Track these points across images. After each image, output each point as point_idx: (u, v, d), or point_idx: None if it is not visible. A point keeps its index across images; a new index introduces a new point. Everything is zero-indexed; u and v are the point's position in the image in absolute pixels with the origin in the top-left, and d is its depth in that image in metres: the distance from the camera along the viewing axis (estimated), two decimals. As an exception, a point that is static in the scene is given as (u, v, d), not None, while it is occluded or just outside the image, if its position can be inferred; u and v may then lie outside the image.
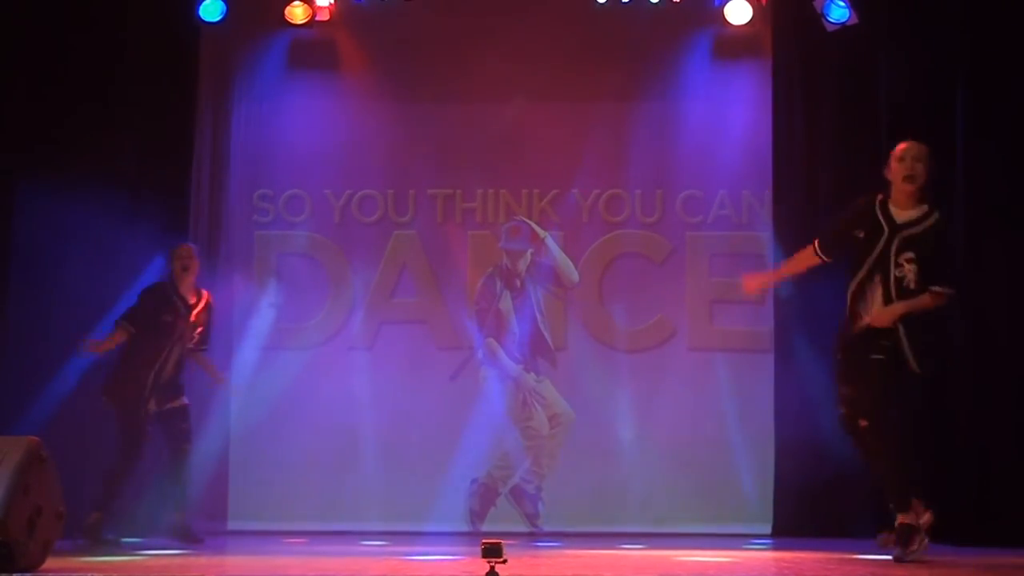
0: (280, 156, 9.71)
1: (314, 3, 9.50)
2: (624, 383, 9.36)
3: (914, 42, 8.24)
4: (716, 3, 9.44)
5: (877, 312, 6.12)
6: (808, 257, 6.57)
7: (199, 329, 7.99)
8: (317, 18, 9.52)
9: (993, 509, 7.41)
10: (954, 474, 7.67)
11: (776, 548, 7.53)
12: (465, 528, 9.05)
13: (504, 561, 4.32)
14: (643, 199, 9.58)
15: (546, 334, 9.53)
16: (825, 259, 6.49)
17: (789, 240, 8.93)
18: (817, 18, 8.81)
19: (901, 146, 6.24)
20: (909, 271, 6.08)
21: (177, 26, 9.07)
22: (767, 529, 8.83)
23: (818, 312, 8.61)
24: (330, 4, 9.54)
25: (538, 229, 9.62)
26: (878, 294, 6.16)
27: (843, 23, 8.79)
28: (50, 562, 4.98)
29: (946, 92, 8.03)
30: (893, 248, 6.12)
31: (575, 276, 9.56)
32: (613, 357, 9.44)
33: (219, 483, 9.19)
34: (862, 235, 6.21)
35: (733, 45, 9.53)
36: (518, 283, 9.62)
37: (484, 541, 4.38)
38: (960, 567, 5.65)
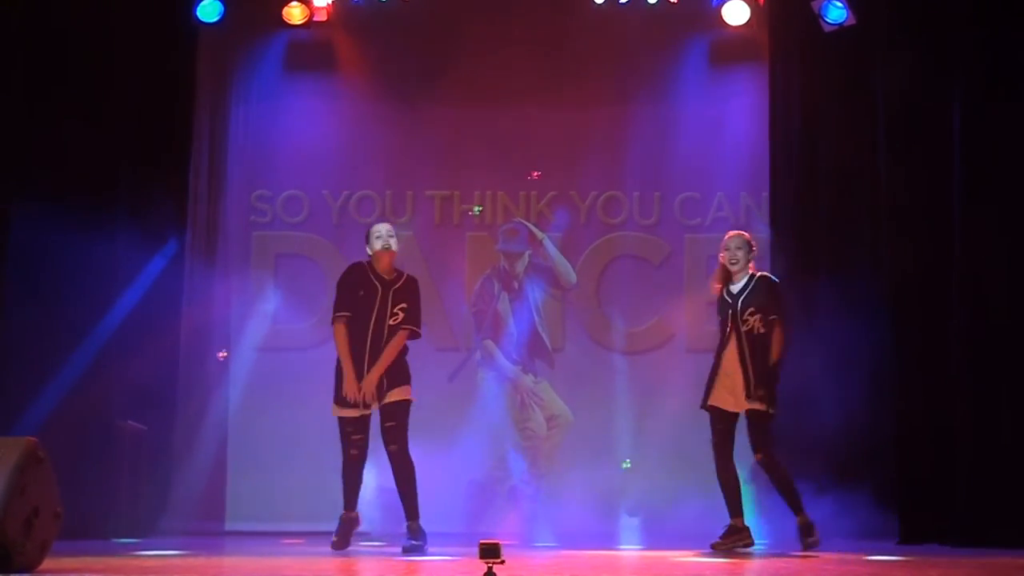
0: (278, 156, 9.71)
1: (312, 3, 9.49)
2: (622, 385, 9.36)
3: (912, 43, 8.22)
4: (714, 4, 9.45)
5: None
6: None
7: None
8: (315, 18, 9.53)
9: (992, 510, 7.40)
10: (954, 474, 7.66)
11: (771, 550, 7.52)
12: (463, 529, 9.04)
13: (502, 562, 4.31)
14: (641, 201, 9.59)
15: (544, 335, 9.52)
16: None
17: (787, 242, 8.94)
18: (815, 19, 8.81)
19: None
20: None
21: (175, 26, 9.06)
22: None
23: (814, 314, 8.63)
24: (328, 5, 9.54)
25: (536, 231, 9.62)
26: None
27: (841, 24, 8.79)
28: (47, 563, 4.97)
29: (943, 93, 8.02)
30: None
31: (573, 278, 9.56)
32: (611, 359, 9.44)
33: (217, 483, 9.19)
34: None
35: (731, 47, 9.54)
36: (516, 285, 9.62)
37: (482, 542, 4.37)
38: (960, 567, 5.64)
